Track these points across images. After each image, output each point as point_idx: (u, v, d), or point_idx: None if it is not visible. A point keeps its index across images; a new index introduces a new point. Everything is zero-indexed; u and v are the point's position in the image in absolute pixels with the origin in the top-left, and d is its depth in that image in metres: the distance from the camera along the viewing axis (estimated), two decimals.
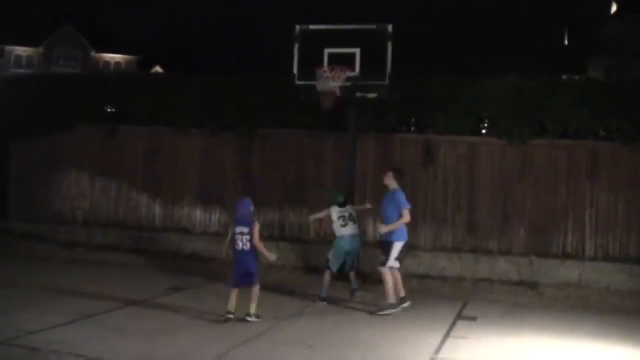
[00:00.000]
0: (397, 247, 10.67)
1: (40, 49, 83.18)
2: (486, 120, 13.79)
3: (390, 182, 10.88)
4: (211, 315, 10.03)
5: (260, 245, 9.74)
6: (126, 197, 15.56)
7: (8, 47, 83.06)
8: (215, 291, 11.90)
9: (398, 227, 10.62)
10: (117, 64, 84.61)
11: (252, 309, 9.69)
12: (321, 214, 11.60)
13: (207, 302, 10.89)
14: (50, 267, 13.28)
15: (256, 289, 9.75)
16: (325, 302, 11.05)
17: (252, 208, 10.02)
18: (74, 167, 16.04)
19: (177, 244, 14.66)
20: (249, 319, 9.57)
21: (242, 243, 9.72)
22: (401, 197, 10.71)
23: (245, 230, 9.73)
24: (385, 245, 10.77)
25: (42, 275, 12.32)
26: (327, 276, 11.22)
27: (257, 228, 9.77)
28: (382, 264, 10.64)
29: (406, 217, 10.59)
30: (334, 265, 11.28)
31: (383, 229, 10.69)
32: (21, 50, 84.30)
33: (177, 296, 11.25)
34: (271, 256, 9.84)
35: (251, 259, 9.75)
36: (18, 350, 8.02)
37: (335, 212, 11.34)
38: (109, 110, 16.18)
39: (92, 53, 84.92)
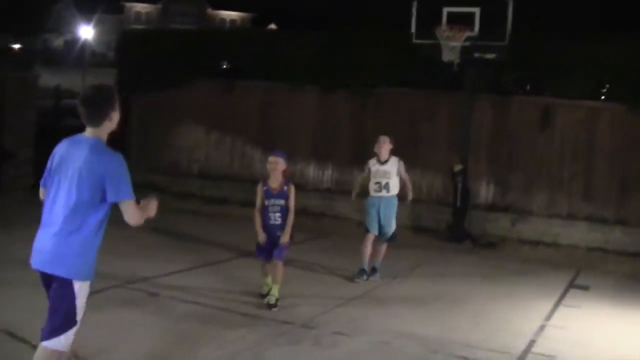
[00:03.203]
0: None
1: (159, 6, 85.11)
2: (607, 84, 13.27)
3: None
4: (320, 269, 10.15)
5: None
6: (240, 151, 15.79)
7: (128, 4, 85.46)
8: (324, 247, 12.07)
9: None
10: (233, 21, 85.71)
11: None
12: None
13: (316, 257, 11.02)
14: (164, 217, 13.65)
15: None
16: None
17: None
18: (190, 120, 16.37)
19: None
20: None
21: None
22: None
23: None
24: None
25: (156, 225, 12.69)
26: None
27: None
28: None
29: None
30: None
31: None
32: (140, 7, 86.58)
33: (288, 250, 11.39)
34: None
35: None
36: (137, 293, 8.33)
37: None
38: (224, 66, 16.40)
39: (208, 10, 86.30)
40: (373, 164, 9.85)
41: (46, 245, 4.67)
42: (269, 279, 8.25)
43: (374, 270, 9.80)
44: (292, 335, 7.26)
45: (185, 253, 10.57)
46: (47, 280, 4.74)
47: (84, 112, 4.75)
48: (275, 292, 8.05)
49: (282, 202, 8.16)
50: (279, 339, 7.06)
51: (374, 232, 9.75)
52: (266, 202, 8.18)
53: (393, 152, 9.81)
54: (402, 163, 9.82)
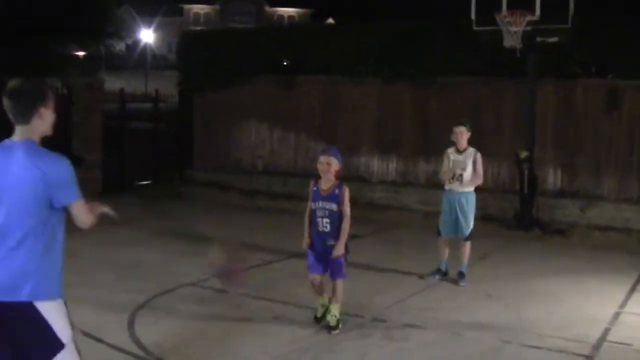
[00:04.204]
0: None
1: (217, 6, 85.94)
2: None
3: None
4: (387, 262, 10.14)
5: None
6: (304, 146, 15.85)
7: (187, 6, 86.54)
8: (390, 239, 12.05)
9: None
10: (291, 17, 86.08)
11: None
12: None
13: (382, 250, 11.02)
14: (232, 215, 13.82)
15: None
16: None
17: None
18: (253, 117, 16.50)
19: (355, 193, 14.75)
20: None
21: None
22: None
23: None
24: None
25: (225, 222, 12.88)
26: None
27: None
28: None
29: None
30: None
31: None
32: (199, 9, 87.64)
33: (354, 243, 11.40)
34: None
35: None
36: (207, 291, 8.44)
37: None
38: (285, 63, 16.48)
39: (266, 8, 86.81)
40: (452, 153, 9.26)
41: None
42: (326, 298, 7.32)
43: (461, 274, 9.23)
44: (363, 328, 7.27)
45: (255, 249, 10.64)
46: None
47: (10, 106, 4.09)
48: (335, 311, 7.15)
49: (332, 206, 7.11)
50: (350, 333, 7.07)
51: (445, 235, 9.32)
52: (313, 205, 7.19)
53: (471, 141, 9.28)
54: (479, 155, 9.19)
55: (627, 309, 8.28)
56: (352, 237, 11.41)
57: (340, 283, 7.19)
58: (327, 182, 7.17)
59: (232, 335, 6.89)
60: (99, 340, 6.54)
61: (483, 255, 10.65)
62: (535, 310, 8.09)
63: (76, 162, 14.55)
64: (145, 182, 16.79)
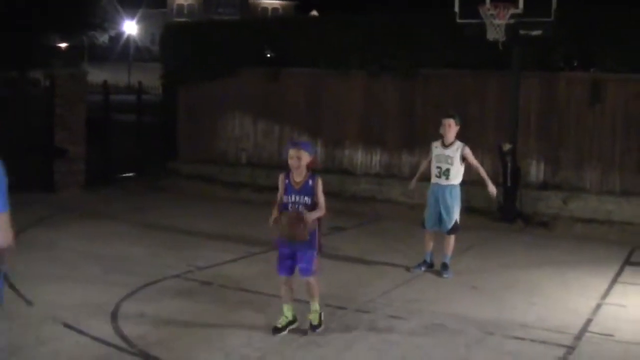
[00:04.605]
0: None
1: None
2: None
3: None
4: (372, 254, 10.17)
5: None
6: (288, 138, 15.84)
7: None
8: (375, 231, 12.08)
9: None
10: (275, 9, 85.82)
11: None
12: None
13: (367, 242, 11.06)
14: (216, 207, 13.81)
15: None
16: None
17: None
18: (237, 110, 16.48)
19: (339, 185, 14.84)
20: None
21: None
22: None
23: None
24: None
25: (209, 215, 12.88)
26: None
27: None
28: None
29: None
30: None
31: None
32: (182, 0, 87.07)
33: (338, 235, 11.44)
34: None
35: None
36: (192, 283, 8.45)
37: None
38: (269, 55, 16.46)
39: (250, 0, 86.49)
40: (436, 147, 9.23)
41: None
42: (289, 307, 6.92)
43: (444, 266, 9.25)
44: (347, 320, 7.29)
45: (239, 242, 10.66)
46: None
47: None
48: (317, 306, 6.92)
49: (306, 199, 6.72)
50: (334, 324, 7.09)
51: (429, 228, 9.34)
52: (285, 199, 6.78)
53: (459, 135, 9.25)
54: (468, 149, 9.14)
55: (608, 300, 8.35)
56: (336, 229, 11.58)
57: (313, 282, 6.87)
58: (299, 175, 6.79)
59: (218, 328, 6.89)
60: (82, 332, 6.52)
61: (467, 246, 10.69)
62: (518, 302, 8.15)
63: (59, 154, 14.51)
64: (129, 175, 16.73)
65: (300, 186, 6.75)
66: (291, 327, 6.86)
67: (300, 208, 6.67)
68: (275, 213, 6.72)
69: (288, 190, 6.78)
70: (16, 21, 26.05)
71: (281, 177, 6.88)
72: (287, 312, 6.89)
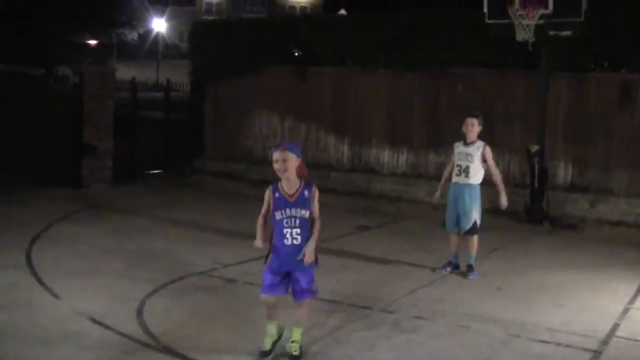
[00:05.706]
0: None
1: None
2: None
3: None
4: (397, 254, 10.14)
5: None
6: (315, 137, 15.84)
7: None
8: (400, 231, 12.05)
9: None
10: (303, 8, 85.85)
11: None
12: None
13: (392, 242, 11.03)
14: (242, 205, 13.78)
15: None
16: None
17: None
18: (264, 108, 16.50)
19: (365, 184, 14.81)
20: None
21: None
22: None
23: None
24: None
25: (235, 212, 12.89)
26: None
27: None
28: None
29: None
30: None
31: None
32: None
33: (365, 234, 11.43)
34: None
35: None
36: (216, 280, 8.47)
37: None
38: (296, 53, 16.47)
39: None
40: (457, 146, 9.16)
41: None
42: (275, 327, 6.19)
43: (469, 267, 9.18)
44: (371, 320, 7.27)
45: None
46: None
47: None
48: (297, 336, 6.10)
49: (304, 212, 5.90)
50: (358, 324, 7.07)
51: (449, 228, 9.28)
52: (278, 215, 5.92)
53: (481, 136, 9.16)
54: (488, 149, 9.05)
55: (636, 304, 8.24)
56: (361, 228, 11.56)
57: (307, 306, 6.18)
58: (290, 184, 5.94)
59: (242, 325, 6.90)
60: (108, 327, 6.57)
61: (493, 248, 10.63)
62: (544, 304, 8.08)
63: (87, 150, 14.66)
64: (155, 171, 16.82)
65: (295, 198, 5.92)
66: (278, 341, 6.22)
67: (298, 223, 5.90)
68: (261, 235, 6.04)
69: (280, 204, 5.92)
70: (45, 18, 26.32)
71: (268, 191, 6.02)
72: (272, 330, 6.21)
